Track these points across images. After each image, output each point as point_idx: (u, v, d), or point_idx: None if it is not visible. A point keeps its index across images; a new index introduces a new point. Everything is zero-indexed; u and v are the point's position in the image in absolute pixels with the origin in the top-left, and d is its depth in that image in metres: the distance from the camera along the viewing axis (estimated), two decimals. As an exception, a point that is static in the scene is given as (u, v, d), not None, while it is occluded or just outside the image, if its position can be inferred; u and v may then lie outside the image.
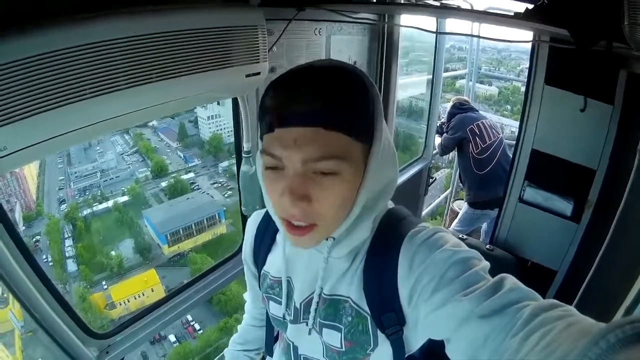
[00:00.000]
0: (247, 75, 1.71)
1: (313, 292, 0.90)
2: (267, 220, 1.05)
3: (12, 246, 1.37)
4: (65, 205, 26.11)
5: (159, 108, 1.47)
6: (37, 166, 27.65)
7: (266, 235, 1.06)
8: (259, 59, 1.75)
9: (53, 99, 1.12)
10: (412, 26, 2.53)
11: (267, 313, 1.10)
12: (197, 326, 21.90)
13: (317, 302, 0.89)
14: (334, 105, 0.68)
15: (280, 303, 0.99)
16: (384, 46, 2.95)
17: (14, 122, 1.06)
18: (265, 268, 1.05)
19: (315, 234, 0.76)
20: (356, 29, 2.71)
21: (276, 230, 1.00)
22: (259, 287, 1.09)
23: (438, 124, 4.30)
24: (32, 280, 1.45)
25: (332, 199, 0.72)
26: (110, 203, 26.77)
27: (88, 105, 1.21)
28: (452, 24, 3.44)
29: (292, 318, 0.97)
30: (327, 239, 0.83)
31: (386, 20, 2.82)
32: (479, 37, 3.33)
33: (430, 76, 4.12)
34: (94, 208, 26.32)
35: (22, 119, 1.07)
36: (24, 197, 24.30)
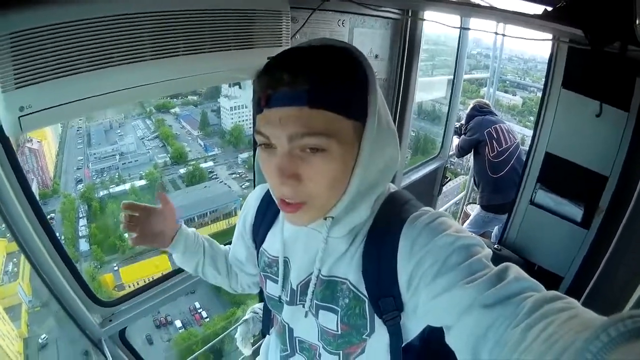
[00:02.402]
0: (269, 58, 1.74)
1: (311, 274, 0.89)
2: (271, 195, 0.97)
3: (34, 218, 1.47)
4: (82, 185, 26.41)
5: (182, 82, 1.50)
6: (57, 144, 28.02)
7: (269, 210, 1.05)
8: (281, 44, 1.79)
9: (81, 63, 1.17)
10: (436, 21, 2.55)
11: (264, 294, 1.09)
12: (204, 314, 22.02)
13: (315, 284, 0.88)
14: (317, 83, 0.68)
15: (277, 282, 0.98)
16: (406, 42, 2.95)
17: (42, 82, 1.11)
18: (263, 246, 1.05)
19: (306, 211, 0.76)
20: (379, 22, 2.73)
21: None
22: (257, 264, 1.10)
23: (457, 126, 4.31)
24: (47, 248, 1.52)
25: (322, 177, 0.72)
26: (127, 186, 27.01)
27: (114, 72, 1.26)
28: (475, 26, 3.44)
29: (288, 299, 0.96)
30: (325, 219, 0.82)
31: (410, 15, 2.83)
32: (503, 35, 3.33)
33: (452, 77, 4.13)
34: (111, 190, 26.58)
35: (50, 80, 1.12)
36: (41, 174, 24.59)
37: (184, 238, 1.18)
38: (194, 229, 1.24)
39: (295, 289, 0.94)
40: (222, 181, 29.41)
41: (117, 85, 1.30)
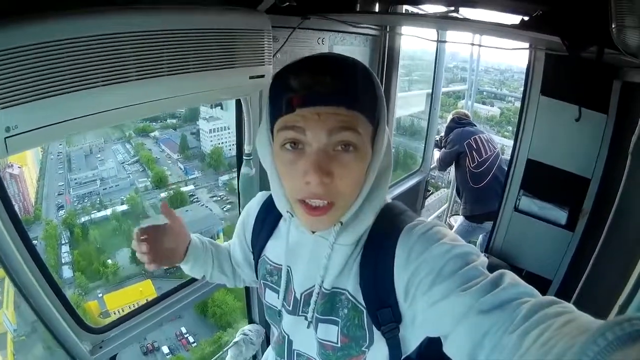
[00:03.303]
0: (251, 77, 1.76)
1: (315, 285, 0.89)
2: (272, 202, 0.95)
3: (20, 243, 1.41)
4: (64, 211, 25.92)
5: (166, 102, 1.50)
6: (37, 170, 27.53)
7: (268, 218, 1.05)
8: (263, 62, 1.80)
9: (66, 83, 1.16)
10: (414, 35, 2.59)
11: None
12: (191, 339, 21.64)
13: (318, 294, 0.88)
14: (352, 87, 0.73)
15: (277, 292, 0.97)
16: (384, 58, 3.00)
17: (28, 102, 1.09)
18: (265, 253, 1.04)
19: (333, 213, 0.77)
20: (358, 40, 2.76)
21: (280, 215, 0.98)
22: (256, 273, 1.10)
23: (437, 139, 4.35)
24: (34, 274, 1.48)
25: (351, 175, 0.75)
26: (108, 211, 26.60)
27: (99, 93, 1.25)
28: (452, 39, 3.51)
29: (290, 308, 0.95)
30: (334, 225, 0.82)
31: (388, 29, 2.87)
32: (479, 45, 3.38)
33: (430, 90, 4.19)
34: (92, 215, 26.11)
35: (36, 100, 1.11)
36: (22, 200, 24.04)
37: (194, 254, 1.16)
38: (200, 237, 1.22)
39: (299, 298, 0.93)
40: (203, 204, 29.10)
41: (103, 105, 1.30)
